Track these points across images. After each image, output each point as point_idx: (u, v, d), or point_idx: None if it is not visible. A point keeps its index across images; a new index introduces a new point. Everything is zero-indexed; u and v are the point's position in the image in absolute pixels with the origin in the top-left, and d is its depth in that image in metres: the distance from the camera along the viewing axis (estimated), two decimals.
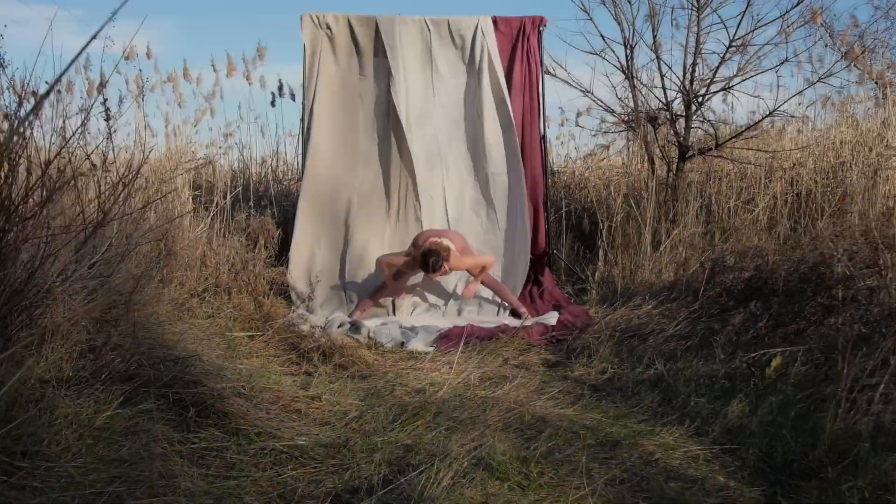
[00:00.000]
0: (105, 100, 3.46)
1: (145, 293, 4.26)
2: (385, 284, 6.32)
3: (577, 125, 8.51)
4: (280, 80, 7.68)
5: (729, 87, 6.99)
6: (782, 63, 6.68)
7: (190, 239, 5.18)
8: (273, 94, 7.77)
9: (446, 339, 5.41)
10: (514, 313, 6.41)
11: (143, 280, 3.97)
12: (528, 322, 5.73)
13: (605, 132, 8.02)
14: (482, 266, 6.14)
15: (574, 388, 4.18)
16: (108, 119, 3.35)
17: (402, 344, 5.33)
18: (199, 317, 4.80)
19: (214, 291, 4.96)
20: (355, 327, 5.71)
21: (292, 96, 7.82)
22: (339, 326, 5.79)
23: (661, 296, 5.71)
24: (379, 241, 6.79)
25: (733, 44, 6.87)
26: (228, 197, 6.00)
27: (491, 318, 6.38)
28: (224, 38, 21.46)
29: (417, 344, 5.32)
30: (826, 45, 7.56)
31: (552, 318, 5.97)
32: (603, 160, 8.74)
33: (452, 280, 6.45)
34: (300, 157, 7.30)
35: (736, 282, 4.67)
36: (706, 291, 5.38)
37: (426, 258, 5.78)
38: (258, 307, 4.86)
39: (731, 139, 7.03)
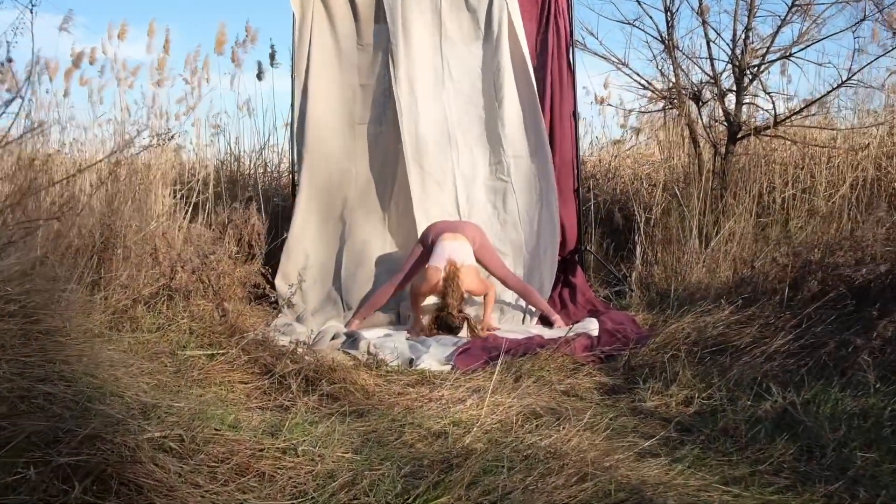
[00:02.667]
0: None
1: (62, 300, 2.89)
2: (387, 289, 4.94)
3: (604, 104, 7.09)
4: (272, 47, 6.25)
5: (790, 55, 5.62)
6: (860, 22, 5.31)
7: (144, 231, 3.79)
8: (259, 62, 6.38)
9: (466, 354, 4.03)
10: (543, 319, 5.05)
11: (38, 279, 2.60)
12: (570, 333, 4.35)
13: (640, 110, 6.63)
14: (488, 295, 4.79)
15: (656, 428, 2.79)
16: None
17: (411, 361, 3.96)
18: (145, 329, 3.42)
19: (169, 296, 3.58)
20: (352, 340, 4.33)
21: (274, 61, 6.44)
22: (333, 339, 4.42)
23: (729, 298, 4.37)
24: (381, 238, 5.45)
25: (797, 3, 5.51)
26: (187, 187, 4.60)
27: (516, 326, 5.00)
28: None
29: (430, 361, 3.95)
30: (876, 20, 6.20)
31: (592, 326, 4.60)
32: (632, 147, 7.36)
33: None
34: (289, 145, 5.96)
35: (870, 277, 3.28)
36: (795, 294, 4.04)
37: (447, 323, 4.52)
38: (223, 316, 3.47)
39: (794, 115, 5.65)
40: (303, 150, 5.42)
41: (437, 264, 4.59)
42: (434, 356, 4.04)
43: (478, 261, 4.82)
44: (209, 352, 3.27)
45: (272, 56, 6.24)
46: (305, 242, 5.36)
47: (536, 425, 2.75)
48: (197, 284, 3.50)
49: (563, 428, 2.67)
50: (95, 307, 3.31)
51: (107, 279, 3.44)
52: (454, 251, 4.62)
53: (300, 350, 3.41)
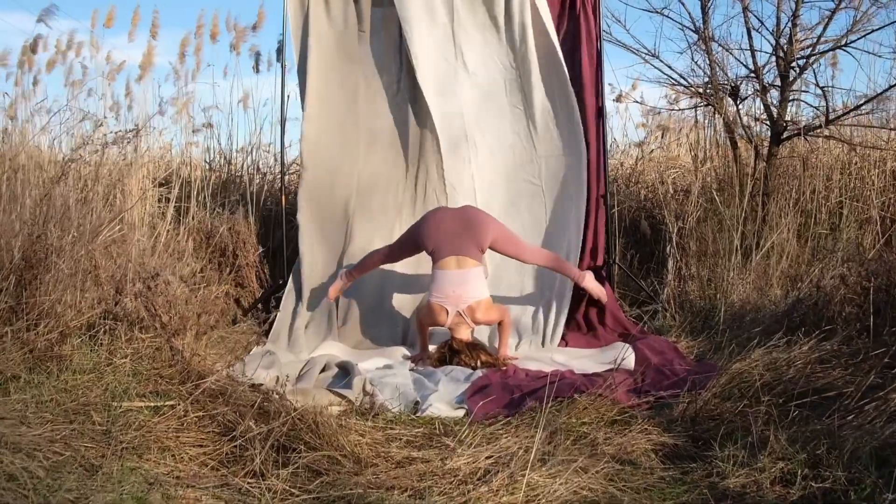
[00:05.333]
0: None
1: None
2: (378, 258, 4.22)
3: (624, 101, 6.22)
4: (280, 42, 5.39)
5: (846, 44, 4.74)
6: None
7: (88, 244, 2.91)
8: (258, 53, 5.52)
9: (483, 395, 3.16)
10: (566, 340, 4.23)
11: None
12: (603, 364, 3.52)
13: (669, 108, 5.76)
14: (504, 322, 3.97)
15: None
16: None
17: (416, 405, 3.09)
18: (77, 370, 2.55)
19: (110, 328, 2.70)
20: (345, 375, 3.45)
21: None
22: (323, 371, 3.55)
23: (788, 324, 3.54)
24: (384, 243, 4.60)
25: None
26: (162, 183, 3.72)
27: (536, 351, 4.14)
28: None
29: (439, 405, 3.09)
30: None
31: (627, 354, 3.73)
32: (654, 150, 6.48)
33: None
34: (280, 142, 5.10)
35: None
36: (881, 322, 3.18)
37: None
38: (174, 354, 2.58)
39: (850, 112, 4.78)
40: (303, 153, 4.62)
41: (442, 302, 3.83)
42: (443, 397, 3.18)
43: (496, 251, 4.09)
44: (154, 403, 2.39)
45: (279, 52, 5.39)
46: (304, 248, 4.55)
47: None
48: (141, 314, 2.64)
49: None
50: (8, 343, 2.44)
51: (29, 305, 2.57)
52: (459, 284, 3.82)
53: (275, 394, 2.53)
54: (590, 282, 4.20)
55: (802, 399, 2.61)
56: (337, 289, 4.19)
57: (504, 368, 3.65)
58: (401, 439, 2.61)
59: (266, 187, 6.12)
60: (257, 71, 5.55)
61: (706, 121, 5.40)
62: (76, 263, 2.67)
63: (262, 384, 3.05)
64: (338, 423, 2.46)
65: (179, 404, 2.35)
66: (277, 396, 2.46)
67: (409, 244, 4.12)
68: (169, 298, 2.54)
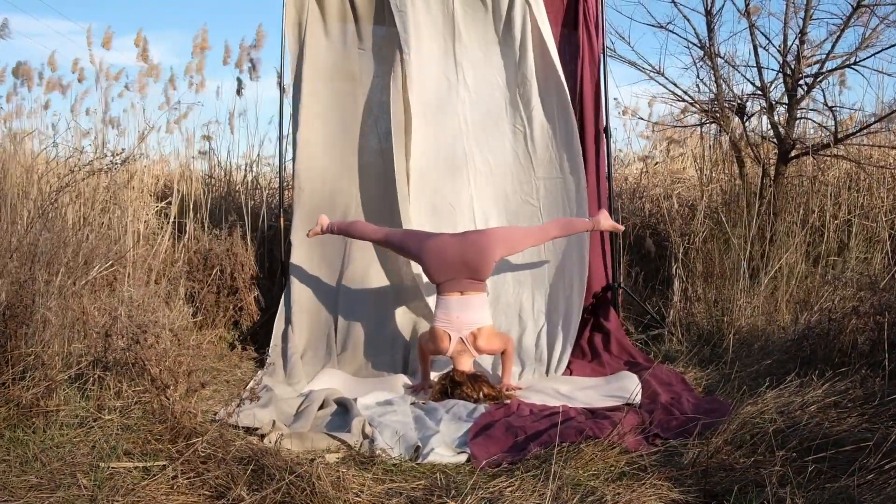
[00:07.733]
0: None
1: None
2: (370, 231, 4.14)
3: (630, 115, 6.07)
4: (251, 61, 5.27)
5: (856, 62, 4.59)
6: None
7: (77, 285, 2.77)
8: (239, 79, 5.42)
9: (486, 438, 3.04)
10: (571, 369, 4.11)
11: None
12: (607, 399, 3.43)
13: (675, 125, 5.62)
14: (507, 350, 3.87)
15: None
16: None
17: (417, 450, 2.96)
18: (64, 424, 2.43)
19: (99, 379, 2.57)
20: (344, 414, 3.32)
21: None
22: (321, 408, 3.42)
23: (797, 354, 3.44)
24: (384, 266, 4.48)
25: (863, 3, 4.49)
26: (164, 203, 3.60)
27: (540, 381, 4.01)
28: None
29: (441, 449, 2.95)
30: None
31: (632, 385, 3.61)
32: (659, 162, 6.34)
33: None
34: (279, 161, 4.99)
35: None
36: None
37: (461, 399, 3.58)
38: (164, 408, 2.45)
39: (861, 130, 4.63)
40: (296, 174, 4.50)
41: (445, 326, 3.72)
42: (444, 440, 3.05)
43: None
44: (142, 464, 2.27)
45: (252, 69, 5.29)
46: (295, 270, 4.44)
47: None
48: (128, 368, 2.51)
49: None
50: None
51: (14, 358, 2.45)
52: (463, 310, 3.73)
53: (273, 443, 2.40)
54: (605, 222, 4.10)
55: (818, 453, 2.48)
56: (314, 233, 4.16)
57: (507, 402, 3.53)
58: (401, 494, 2.49)
59: (265, 202, 6.01)
60: (240, 94, 5.44)
61: (712, 138, 5.25)
62: (64, 311, 2.55)
63: (257, 428, 2.96)
64: (334, 481, 2.33)
65: (169, 465, 2.22)
66: (271, 455, 2.32)
67: (400, 251, 4.08)
68: (158, 352, 2.41)
